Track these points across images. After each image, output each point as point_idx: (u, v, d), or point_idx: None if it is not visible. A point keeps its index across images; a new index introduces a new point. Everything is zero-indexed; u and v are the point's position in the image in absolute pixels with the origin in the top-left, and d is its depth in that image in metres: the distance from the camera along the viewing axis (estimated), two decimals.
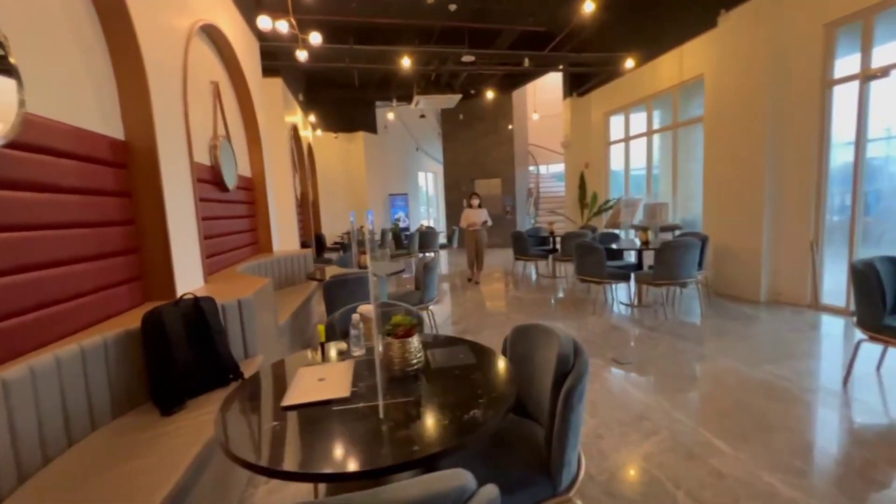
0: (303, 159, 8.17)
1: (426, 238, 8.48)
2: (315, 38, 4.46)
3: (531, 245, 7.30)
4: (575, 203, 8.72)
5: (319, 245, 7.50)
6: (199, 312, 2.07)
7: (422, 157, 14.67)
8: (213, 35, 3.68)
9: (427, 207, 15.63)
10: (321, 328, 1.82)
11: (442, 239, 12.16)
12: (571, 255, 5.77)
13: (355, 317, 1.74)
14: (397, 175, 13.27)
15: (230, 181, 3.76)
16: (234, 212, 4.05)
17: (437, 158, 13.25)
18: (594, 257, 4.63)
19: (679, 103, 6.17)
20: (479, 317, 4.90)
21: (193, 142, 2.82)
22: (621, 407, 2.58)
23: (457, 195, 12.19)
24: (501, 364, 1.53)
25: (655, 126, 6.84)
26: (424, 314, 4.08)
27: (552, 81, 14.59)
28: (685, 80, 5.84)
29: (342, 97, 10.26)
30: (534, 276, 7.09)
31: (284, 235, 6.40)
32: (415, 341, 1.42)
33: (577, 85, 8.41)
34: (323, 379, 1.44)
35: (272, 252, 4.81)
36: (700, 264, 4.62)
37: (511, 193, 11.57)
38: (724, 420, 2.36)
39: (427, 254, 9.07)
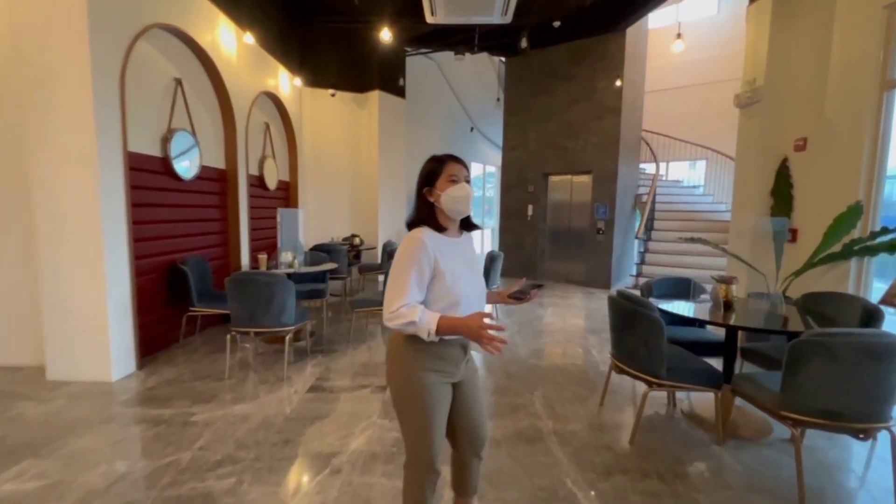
0: (230, 115, 4.61)
1: None
2: None
3: (663, 326, 2.87)
4: (758, 228, 4.01)
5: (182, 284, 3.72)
6: None
7: (478, 142, 10.57)
8: None
9: (483, 215, 11.48)
10: None
11: None
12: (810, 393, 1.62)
13: None
14: None
15: None
16: None
17: (501, 145, 9.06)
18: None
19: None
20: None
21: None
22: None
23: (520, 197, 7.92)
24: None
25: None
26: None
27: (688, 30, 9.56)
28: None
29: (344, 32, 6.60)
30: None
31: (73, 251, 2.80)
32: None
33: None
34: None
35: None
36: None
37: (608, 200, 6.99)
38: None
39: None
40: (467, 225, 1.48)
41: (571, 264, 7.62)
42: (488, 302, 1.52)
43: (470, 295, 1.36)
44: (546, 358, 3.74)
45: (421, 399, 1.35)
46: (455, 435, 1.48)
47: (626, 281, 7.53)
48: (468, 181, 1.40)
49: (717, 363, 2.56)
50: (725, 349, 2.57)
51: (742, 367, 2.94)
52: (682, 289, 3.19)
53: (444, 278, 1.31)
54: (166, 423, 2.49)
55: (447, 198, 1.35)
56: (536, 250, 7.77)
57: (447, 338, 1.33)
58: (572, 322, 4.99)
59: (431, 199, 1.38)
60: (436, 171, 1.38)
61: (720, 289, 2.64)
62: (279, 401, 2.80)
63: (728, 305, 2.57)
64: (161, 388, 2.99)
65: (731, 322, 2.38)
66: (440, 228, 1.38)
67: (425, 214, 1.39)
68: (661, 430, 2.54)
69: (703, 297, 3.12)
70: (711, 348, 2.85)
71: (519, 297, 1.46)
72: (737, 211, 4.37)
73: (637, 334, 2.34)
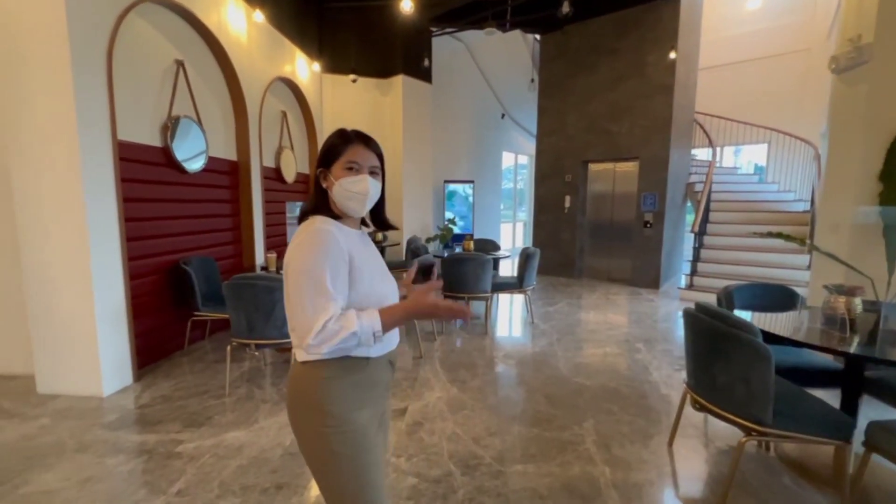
0: (241, 102, 4.25)
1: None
2: None
3: (772, 358, 2.23)
4: (860, 221, 3.25)
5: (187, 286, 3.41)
6: None
7: (510, 130, 9.93)
8: None
9: (514, 207, 10.85)
10: None
11: (508, 269, 7.38)
12: None
13: None
14: (467, 152, 8.80)
15: None
16: None
17: (534, 132, 8.36)
18: None
19: None
20: None
21: None
22: None
23: (556, 188, 7.27)
24: None
25: None
26: None
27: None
28: None
29: (365, 11, 6.15)
30: None
31: (56, 252, 2.50)
32: None
33: None
34: None
35: None
36: None
37: (658, 189, 6.24)
38: None
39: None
40: (381, 223, 1.19)
41: (615, 261, 6.92)
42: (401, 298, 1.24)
43: (389, 296, 1.10)
44: (593, 376, 3.17)
45: (355, 452, 1.00)
46: None
47: (677, 280, 6.76)
48: (375, 172, 1.09)
49: (825, 395, 1.94)
50: (847, 382, 1.94)
51: (862, 402, 2.28)
52: (773, 298, 2.54)
53: (363, 278, 1.02)
54: (148, 455, 2.13)
55: (339, 189, 1.05)
56: (575, 246, 7.11)
57: (375, 356, 1.05)
58: (619, 328, 4.36)
59: (325, 185, 1.07)
60: (336, 150, 1.07)
61: (837, 302, 1.99)
62: (279, 427, 2.40)
63: (852, 325, 1.93)
64: (154, 405, 2.66)
65: (854, 350, 1.74)
66: (337, 219, 1.08)
67: (318, 204, 1.08)
68: (758, 485, 1.94)
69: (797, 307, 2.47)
70: (819, 377, 2.21)
71: (422, 278, 1.23)
72: (828, 200, 3.60)
73: (731, 366, 1.75)
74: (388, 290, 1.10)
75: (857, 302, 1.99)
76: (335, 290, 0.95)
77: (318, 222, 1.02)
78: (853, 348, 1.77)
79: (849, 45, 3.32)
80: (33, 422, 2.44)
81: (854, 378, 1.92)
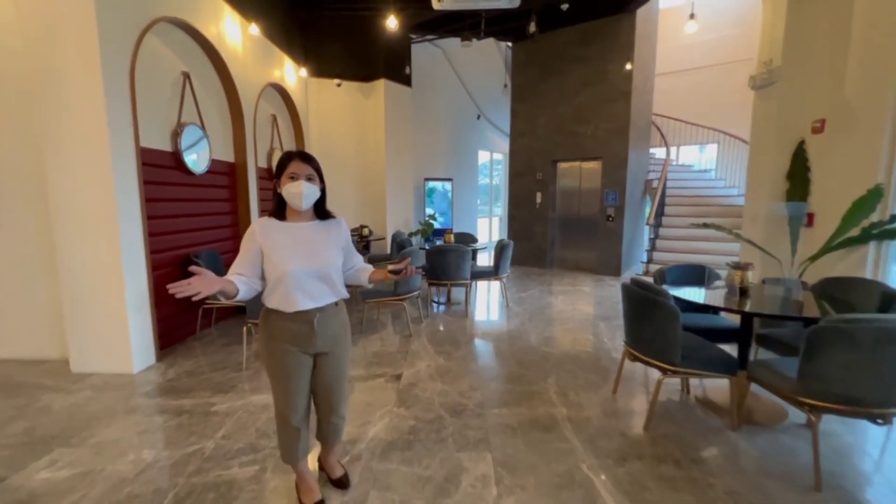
0: (238, 108, 4.61)
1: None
2: None
3: (678, 314, 2.85)
4: (772, 213, 3.94)
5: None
6: None
7: (485, 130, 10.47)
8: None
9: (490, 203, 11.43)
10: None
11: (485, 260, 7.97)
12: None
13: None
14: (446, 151, 9.29)
15: None
16: None
17: (508, 132, 8.92)
18: None
19: None
20: None
21: None
22: None
23: (528, 185, 7.87)
24: None
25: None
26: None
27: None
28: None
29: (349, 20, 6.53)
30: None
31: (91, 246, 2.86)
32: None
33: None
34: None
35: None
36: None
37: (618, 186, 6.91)
38: None
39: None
40: (323, 213, 1.68)
41: (581, 252, 7.59)
42: (374, 278, 1.84)
43: (298, 274, 1.54)
44: (558, 346, 3.75)
45: (274, 364, 1.62)
46: (313, 397, 1.76)
47: (636, 268, 7.49)
48: (311, 178, 1.57)
49: (732, 350, 2.56)
50: (740, 335, 2.56)
51: (757, 353, 2.93)
52: (696, 275, 3.17)
53: (269, 259, 1.54)
54: (188, 413, 2.56)
55: (285, 192, 1.56)
56: (546, 238, 7.74)
57: (293, 312, 1.57)
58: (583, 309, 4.99)
59: (279, 191, 1.59)
60: (282, 165, 1.57)
61: (735, 275, 2.61)
62: None
63: (743, 292, 2.56)
64: (181, 379, 3.06)
65: (747, 309, 2.36)
66: (283, 216, 1.61)
67: (276, 203, 1.62)
68: (676, 416, 2.55)
69: (717, 283, 3.10)
70: (727, 335, 2.84)
71: (398, 272, 1.69)
72: (751, 195, 4.30)
73: (652, 322, 2.34)
74: (298, 269, 1.54)
75: (749, 275, 2.61)
76: (242, 264, 1.54)
77: (255, 223, 1.58)
78: (747, 308, 2.38)
79: (763, 66, 4.00)
80: (78, 394, 2.81)
81: (744, 330, 2.54)
